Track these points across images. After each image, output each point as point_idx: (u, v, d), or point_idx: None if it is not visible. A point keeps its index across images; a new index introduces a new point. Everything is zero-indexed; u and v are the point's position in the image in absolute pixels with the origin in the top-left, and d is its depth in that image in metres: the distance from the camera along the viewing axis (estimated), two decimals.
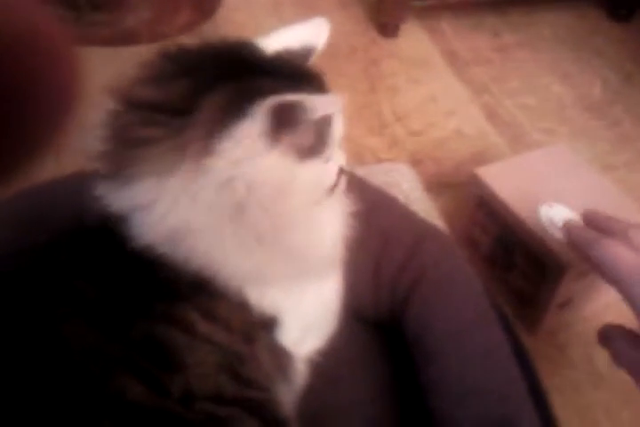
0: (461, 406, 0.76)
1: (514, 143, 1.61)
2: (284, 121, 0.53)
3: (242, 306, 0.62)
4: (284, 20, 0.61)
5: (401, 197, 1.29)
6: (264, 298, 0.63)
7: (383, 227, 0.92)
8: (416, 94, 1.76)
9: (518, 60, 1.93)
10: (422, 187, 1.42)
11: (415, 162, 1.53)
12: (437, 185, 1.46)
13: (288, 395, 0.71)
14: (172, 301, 0.60)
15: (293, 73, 0.60)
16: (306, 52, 0.64)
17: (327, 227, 0.65)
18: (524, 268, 1.16)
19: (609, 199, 1.18)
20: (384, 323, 0.91)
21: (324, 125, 0.58)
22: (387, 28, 1.95)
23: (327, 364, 0.74)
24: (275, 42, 0.63)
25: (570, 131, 1.67)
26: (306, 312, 0.70)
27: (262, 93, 0.53)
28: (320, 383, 0.74)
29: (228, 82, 0.56)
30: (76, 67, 0.44)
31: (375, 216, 0.92)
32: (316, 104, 0.53)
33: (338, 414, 0.81)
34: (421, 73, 1.84)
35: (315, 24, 0.64)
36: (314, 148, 0.58)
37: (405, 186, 1.41)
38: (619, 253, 0.77)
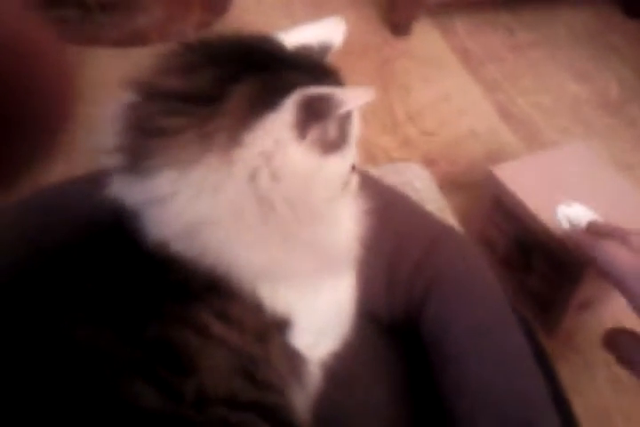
0: (481, 407, 0.74)
1: (528, 142, 1.59)
2: (313, 113, 0.53)
3: (255, 306, 0.61)
4: (295, 21, 0.61)
5: (414, 197, 1.27)
6: (278, 298, 0.62)
7: (397, 226, 0.90)
8: (429, 93, 1.74)
9: (532, 58, 1.90)
10: (436, 186, 1.41)
11: (428, 161, 1.51)
12: (451, 185, 1.44)
13: (302, 398, 0.69)
14: (185, 301, 0.59)
15: (315, 68, 0.60)
16: (323, 50, 0.63)
17: (345, 223, 0.65)
18: (542, 268, 1.14)
19: (627, 198, 1.16)
20: (398, 324, 0.89)
21: (345, 121, 0.58)
22: (399, 26, 1.94)
23: (341, 367, 0.73)
24: (293, 38, 0.63)
25: (585, 130, 1.65)
26: (319, 314, 0.68)
27: (291, 85, 0.53)
28: (334, 387, 0.73)
29: (256, 73, 0.55)
30: (66, 70, 0.43)
31: (389, 216, 0.91)
32: (346, 97, 0.53)
33: (353, 417, 0.80)
34: (434, 72, 1.82)
35: (331, 23, 0.64)
36: (336, 142, 0.57)
37: (419, 185, 1.39)
38: (618, 254, 0.80)
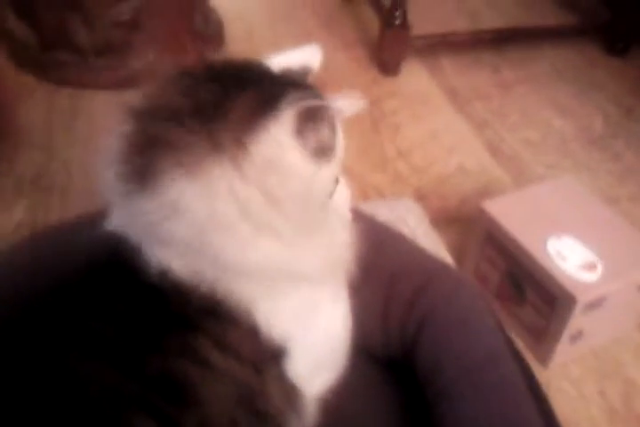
0: None
1: (517, 178, 1.62)
2: (310, 121, 0.59)
3: (251, 332, 0.63)
4: None
5: (407, 232, 1.29)
6: (274, 323, 0.64)
7: (391, 265, 0.92)
8: (418, 131, 1.77)
9: (518, 95, 1.95)
10: (428, 222, 1.43)
11: (419, 198, 1.54)
12: (442, 220, 1.46)
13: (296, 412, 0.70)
14: (184, 332, 0.61)
15: (303, 85, 0.66)
16: (304, 72, 0.69)
17: (337, 234, 0.69)
18: (534, 301, 1.16)
19: (615, 230, 1.19)
20: (395, 361, 0.90)
21: (333, 132, 0.63)
22: (388, 66, 1.98)
23: (339, 402, 0.74)
24: (276, 62, 0.68)
25: (572, 164, 1.68)
26: (315, 344, 0.70)
27: (287, 97, 0.59)
28: (332, 421, 0.74)
29: (253, 87, 0.61)
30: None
31: (383, 254, 0.92)
32: (339, 106, 0.60)
33: None
34: (423, 110, 1.86)
35: (309, 49, 0.71)
36: (327, 151, 0.62)
37: (411, 221, 1.41)
38: None
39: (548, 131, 1.81)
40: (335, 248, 0.68)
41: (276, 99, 0.59)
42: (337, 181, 0.69)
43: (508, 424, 0.76)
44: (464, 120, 1.84)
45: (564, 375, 1.17)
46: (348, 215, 0.74)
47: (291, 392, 0.68)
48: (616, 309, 1.15)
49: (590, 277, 1.09)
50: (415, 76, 2.00)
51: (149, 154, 0.59)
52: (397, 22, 1.90)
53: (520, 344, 1.21)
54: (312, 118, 0.59)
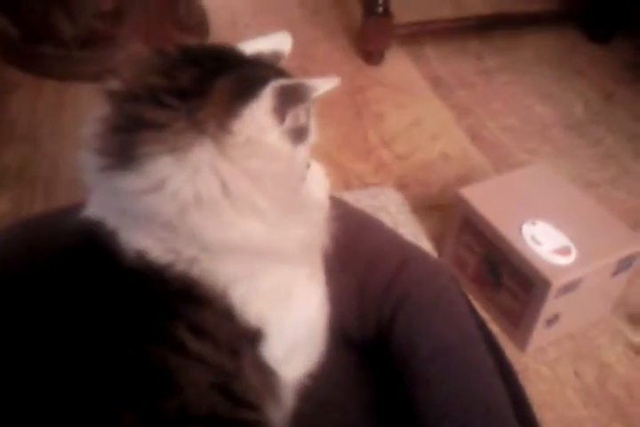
0: (447, 421, 0.77)
1: (498, 164, 1.64)
2: (288, 99, 0.61)
3: (227, 315, 0.64)
4: None
5: (388, 220, 1.32)
6: (249, 306, 0.66)
7: (368, 250, 0.94)
8: (401, 119, 1.79)
9: (501, 82, 1.96)
10: (409, 209, 1.45)
11: (402, 185, 1.55)
12: (424, 207, 1.48)
13: (278, 415, 0.72)
14: (161, 320, 0.62)
15: (274, 68, 0.69)
16: (276, 57, 0.72)
17: (312, 214, 0.72)
18: (510, 286, 1.18)
19: (590, 215, 1.21)
20: (370, 343, 0.92)
21: (308, 113, 0.66)
22: (372, 55, 1.99)
23: (315, 386, 0.76)
24: (249, 47, 0.71)
25: (553, 150, 1.70)
26: (291, 326, 0.71)
27: (265, 78, 0.61)
28: (309, 406, 0.76)
29: (233, 69, 0.63)
30: None
31: (360, 239, 0.94)
32: (315, 83, 0.61)
33: None
34: (406, 98, 1.87)
35: (279, 36, 0.73)
36: (302, 132, 0.66)
37: (392, 209, 1.44)
38: None
39: (530, 117, 1.82)
40: (311, 229, 0.71)
41: (256, 80, 0.61)
42: (308, 166, 0.72)
43: (477, 404, 0.78)
44: (447, 108, 1.85)
45: (540, 359, 1.19)
46: (325, 200, 0.76)
47: (268, 377, 0.70)
48: (591, 292, 1.17)
49: (565, 261, 1.11)
50: (399, 65, 2.01)
51: (128, 132, 0.61)
52: (380, 10, 1.91)
53: (497, 329, 1.23)
54: (289, 97, 0.61)
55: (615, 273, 1.18)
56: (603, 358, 1.20)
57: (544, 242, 1.13)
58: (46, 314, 0.64)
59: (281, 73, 0.67)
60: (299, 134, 0.65)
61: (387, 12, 1.91)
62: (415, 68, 2.01)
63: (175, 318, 0.63)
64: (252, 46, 0.71)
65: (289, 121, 0.63)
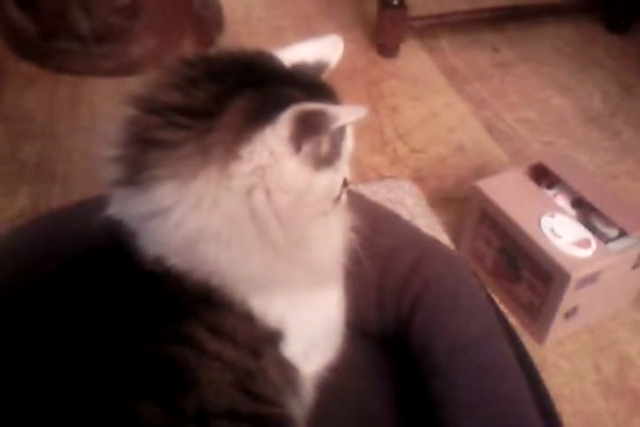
0: (469, 418, 0.77)
1: (515, 157, 1.63)
2: (307, 128, 0.55)
3: (246, 318, 0.63)
4: (285, 46, 0.65)
5: (405, 213, 1.31)
6: (268, 309, 0.64)
7: (386, 244, 0.94)
8: (417, 112, 1.78)
9: (518, 74, 1.95)
10: (426, 202, 1.45)
11: (418, 178, 1.55)
12: (440, 200, 1.48)
13: (298, 409, 0.72)
14: (179, 319, 0.62)
15: (311, 84, 0.63)
16: (320, 67, 0.66)
17: (334, 238, 0.68)
18: (529, 278, 1.17)
19: (610, 207, 1.19)
20: (390, 338, 0.92)
21: (338, 136, 0.61)
22: (386, 48, 1.98)
23: (334, 379, 0.76)
24: (291, 55, 0.66)
25: (571, 142, 1.69)
26: (310, 326, 0.71)
27: (286, 101, 0.56)
28: (328, 399, 0.76)
29: (252, 88, 0.58)
30: None
31: (378, 233, 0.94)
32: (339, 113, 0.55)
33: None
34: (422, 91, 1.86)
35: (329, 41, 0.68)
36: (328, 157, 0.60)
37: (409, 202, 1.43)
38: None
39: (547, 109, 1.81)
40: (328, 258, 0.67)
41: (274, 105, 0.55)
42: (345, 183, 0.66)
43: (499, 398, 0.78)
44: (463, 100, 1.84)
45: (559, 352, 1.19)
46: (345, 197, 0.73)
47: (288, 373, 0.70)
48: (610, 285, 1.16)
49: (584, 253, 1.10)
50: (414, 57, 2.00)
51: (142, 147, 0.58)
52: (395, 3, 1.90)
53: (516, 322, 1.23)
54: (307, 124, 0.55)
55: (635, 266, 1.17)
56: (622, 351, 1.19)
57: (563, 234, 1.12)
58: (65, 311, 0.64)
59: (311, 91, 0.61)
60: (322, 161, 0.59)
61: (402, 5, 1.90)
62: (431, 60, 2.00)
63: (192, 318, 0.62)
64: (297, 53, 0.66)
65: (307, 150, 0.57)
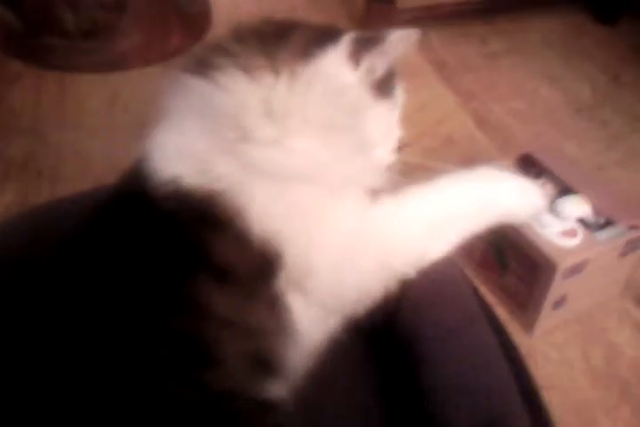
0: (453, 407, 0.77)
1: (504, 148, 1.62)
2: (363, 46, 0.67)
3: (245, 239, 0.63)
4: None
5: None
6: (266, 223, 0.64)
7: None
8: (405, 104, 1.77)
9: (506, 66, 1.95)
10: None
11: (406, 171, 1.54)
12: None
13: (294, 350, 0.71)
14: (186, 274, 0.63)
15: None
16: None
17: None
18: (516, 269, 1.17)
19: (597, 196, 1.19)
20: (376, 328, 0.92)
21: (391, 73, 0.72)
22: None
23: (321, 370, 0.76)
24: None
25: (560, 133, 1.68)
26: (313, 248, 0.67)
27: (342, 30, 0.69)
28: (316, 390, 0.76)
29: (308, 25, 0.70)
30: None
31: None
32: (390, 33, 0.68)
33: (335, 419, 0.83)
34: (410, 83, 1.84)
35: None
36: (384, 88, 0.71)
37: None
38: None
39: (536, 100, 1.81)
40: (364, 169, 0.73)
41: (333, 32, 0.68)
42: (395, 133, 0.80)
43: (482, 386, 0.78)
44: (452, 92, 1.84)
45: (548, 341, 1.19)
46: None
47: (282, 313, 0.68)
48: (598, 274, 1.16)
49: (571, 242, 1.10)
50: None
51: (210, 55, 0.66)
52: None
53: (504, 312, 1.23)
54: (364, 43, 0.67)
55: (623, 254, 1.17)
56: (611, 340, 1.19)
57: (550, 224, 1.12)
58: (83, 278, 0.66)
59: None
60: (380, 88, 0.70)
61: None
62: (419, 52, 1.99)
63: (199, 266, 0.63)
64: None
65: (365, 67, 0.67)
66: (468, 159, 1.58)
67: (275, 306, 0.67)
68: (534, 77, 1.89)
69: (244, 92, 0.64)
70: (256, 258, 0.64)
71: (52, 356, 0.62)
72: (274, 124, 0.64)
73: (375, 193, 0.73)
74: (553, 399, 1.06)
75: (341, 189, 0.70)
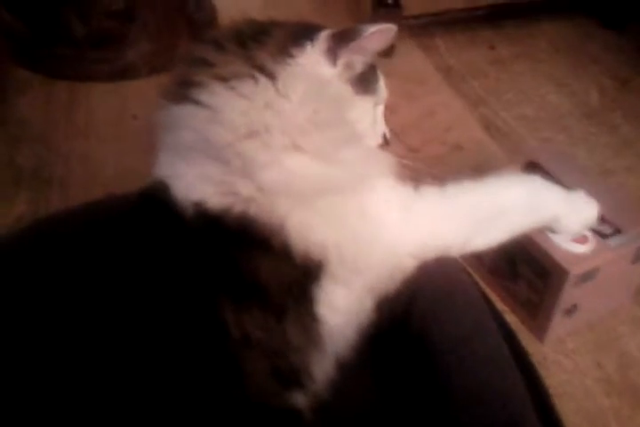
0: (466, 413, 0.77)
1: (513, 154, 1.62)
2: (341, 40, 0.68)
3: (285, 253, 0.65)
4: None
5: None
6: (307, 233, 0.66)
7: None
8: (413, 111, 1.77)
9: (514, 71, 1.94)
10: None
11: (414, 177, 1.54)
12: None
13: (321, 362, 0.73)
14: (210, 295, 0.64)
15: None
16: None
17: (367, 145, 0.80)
18: (528, 276, 1.17)
19: (607, 202, 1.18)
20: (385, 337, 0.92)
21: (371, 69, 0.75)
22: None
23: (337, 378, 0.76)
24: None
25: (568, 138, 1.68)
26: (351, 244, 0.70)
27: (320, 27, 0.70)
28: (331, 397, 0.76)
29: (288, 24, 0.72)
30: None
31: None
32: (367, 25, 0.70)
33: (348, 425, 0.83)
34: (418, 89, 1.86)
35: None
36: (364, 84, 0.73)
37: None
38: None
39: (544, 106, 1.80)
40: (367, 157, 0.75)
41: (312, 29, 0.69)
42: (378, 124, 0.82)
43: (495, 394, 0.78)
44: (460, 98, 1.83)
45: (560, 349, 1.18)
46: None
47: (312, 328, 0.70)
48: (610, 281, 1.16)
49: (582, 249, 1.10)
50: (410, 56, 1.99)
51: (190, 70, 0.68)
52: (390, 2, 1.89)
53: (516, 320, 1.22)
54: (344, 37, 0.68)
55: (635, 261, 1.16)
56: (623, 348, 1.19)
57: None
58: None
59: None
60: (361, 84, 0.72)
61: (397, 4, 1.90)
62: (426, 59, 1.99)
63: (223, 288, 0.64)
64: None
65: (343, 62, 0.69)
66: (477, 166, 1.58)
67: (305, 322, 0.68)
68: (542, 83, 1.89)
69: (227, 109, 0.65)
70: (293, 271, 0.66)
71: (89, 373, 0.63)
72: (263, 146, 0.65)
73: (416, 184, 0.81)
74: (566, 408, 1.06)
75: (360, 183, 0.72)
